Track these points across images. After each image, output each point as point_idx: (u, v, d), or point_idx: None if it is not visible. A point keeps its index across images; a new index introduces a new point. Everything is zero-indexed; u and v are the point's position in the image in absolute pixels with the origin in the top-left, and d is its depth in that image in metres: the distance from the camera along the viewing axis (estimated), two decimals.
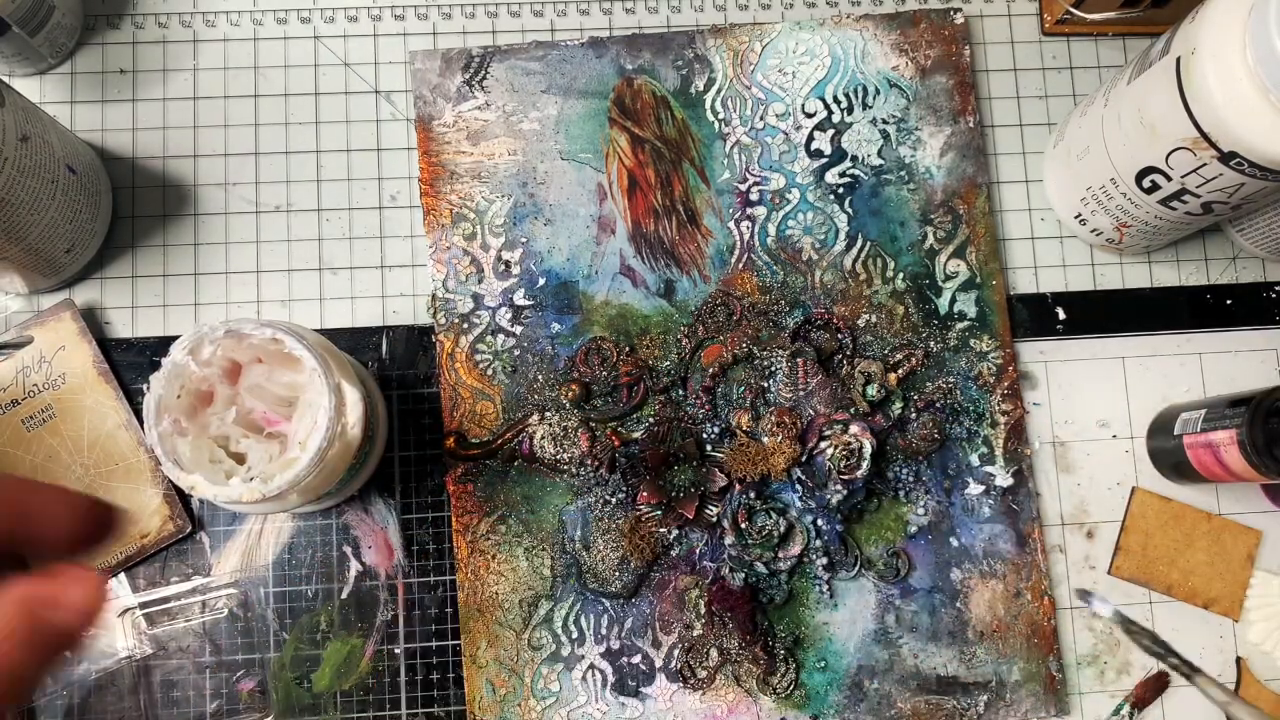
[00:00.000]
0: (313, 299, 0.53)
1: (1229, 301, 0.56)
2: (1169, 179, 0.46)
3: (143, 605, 0.50)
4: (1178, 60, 0.43)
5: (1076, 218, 0.54)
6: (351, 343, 0.52)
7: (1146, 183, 0.47)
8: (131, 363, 0.51)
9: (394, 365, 0.52)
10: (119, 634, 0.49)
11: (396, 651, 0.50)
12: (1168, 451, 0.51)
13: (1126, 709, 0.51)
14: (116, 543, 0.49)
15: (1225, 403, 0.48)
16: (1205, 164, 0.44)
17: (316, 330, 0.51)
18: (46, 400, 0.50)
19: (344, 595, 0.50)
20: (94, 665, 0.49)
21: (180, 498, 0.50)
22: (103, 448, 0.50)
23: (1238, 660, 0.52)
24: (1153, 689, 0.52)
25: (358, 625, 0.50)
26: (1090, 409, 0.54)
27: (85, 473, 0.50)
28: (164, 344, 0.51)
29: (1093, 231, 0.54)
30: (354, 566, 0.51)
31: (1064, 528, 0.53)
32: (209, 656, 0.49)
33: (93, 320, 0.52)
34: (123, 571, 0.50)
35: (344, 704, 0.49)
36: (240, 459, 0.44)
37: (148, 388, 0.41)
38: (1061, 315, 0.55)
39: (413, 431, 0.52)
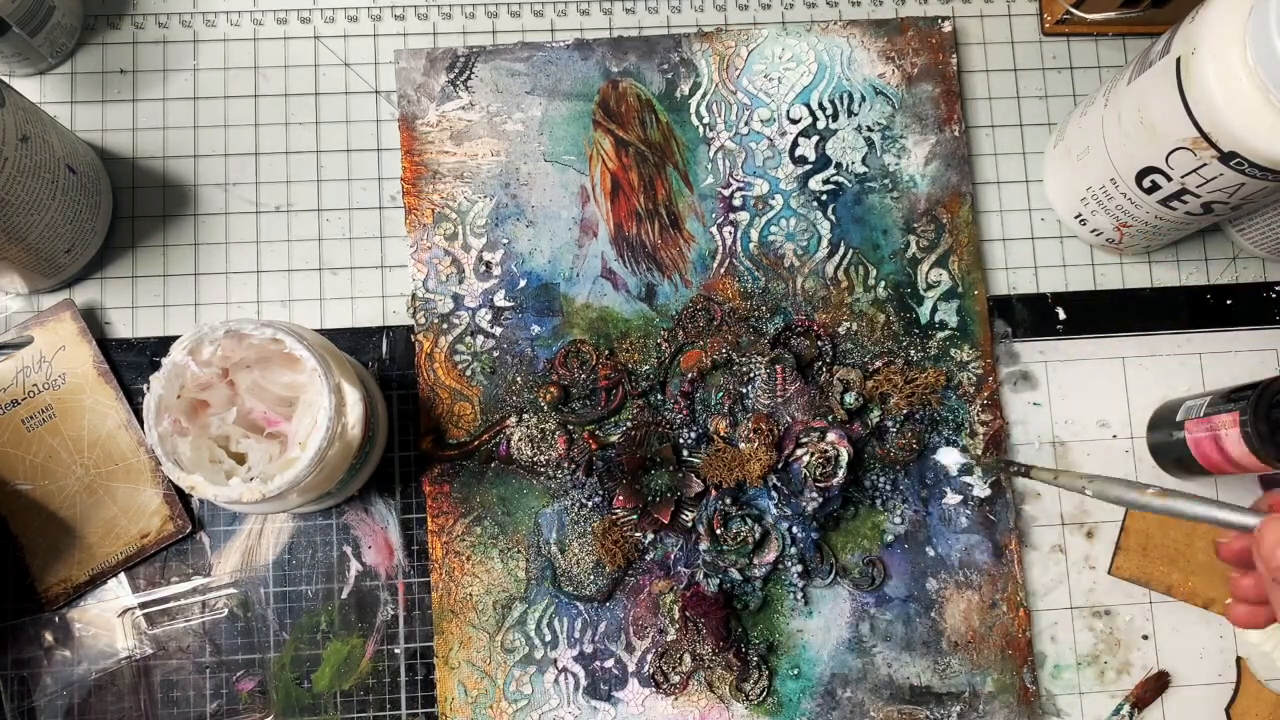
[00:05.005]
0: (313, 299, 0.53)
1: (1229, 301, 0.55)
2: (1169, 179, 0.46)
3: (143, 605, 0.50)
4: (1178, 60, 0.43)
5: (1076, 218, 0.54)
6: (351, 343, 0.52)
7: (1146, 183, 0.47)
8: (131, 363, 0.51)
9: (394, 365, 0.52)
10: (119, 634, 0.49)
11: (396, 651, 0.50)
12: (1169, 445, 0.51)
13: (1126, 709, 0.51)
14: (116, 543, 0.49)
15: (1229, 390, 0.48)
16: (1205, 164, 0.44)
17: (316, 330, 0.51)
18: (46, 400, 0.50)
19: (344, 595, 0.50)
20: (94, 665, 0.49)
21: (180, 498, 0.50)
22: (103, 448, 0.50)
23: (1238, 660, 0.52)
24: (1153, 689, 0.52)
25: (358, 625, 0.50)
26: (1090, 409, 0.54)
27: (85, 473, 0.50)
28: (164, 344, 0.51)
29: (1093, 231, 0.54)
30: (354, 566, 0.51)
31: (1064, 528, 0.53)
32: (209, 656, 0.49)
33: (93, 320, 0.52)
34: (123, 571, 0.49)
35: (344, 704, 0.49)
36: (240, 459, 0.44)
37: (148, 388, 0.41)
38: (1061, 315, 0.55)
39: (413, 431, 0.52)
